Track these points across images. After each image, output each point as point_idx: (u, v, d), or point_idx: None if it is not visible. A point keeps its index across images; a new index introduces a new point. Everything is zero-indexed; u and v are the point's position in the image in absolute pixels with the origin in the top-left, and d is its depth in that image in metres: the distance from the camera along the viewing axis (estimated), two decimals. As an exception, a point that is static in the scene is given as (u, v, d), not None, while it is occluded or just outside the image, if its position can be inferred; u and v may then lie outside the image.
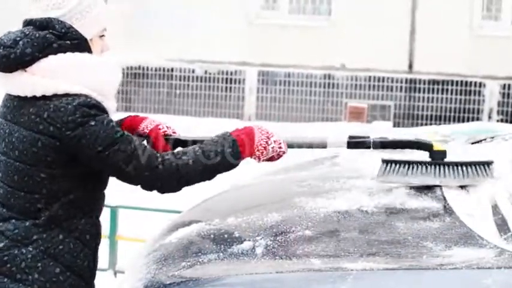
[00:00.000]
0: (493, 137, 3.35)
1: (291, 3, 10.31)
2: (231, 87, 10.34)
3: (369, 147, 2.58)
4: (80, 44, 2.30)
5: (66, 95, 2.22)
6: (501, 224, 2.20)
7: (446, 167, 2.55)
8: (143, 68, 10.44)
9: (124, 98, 10.48)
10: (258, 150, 2.37)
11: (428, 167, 2.56)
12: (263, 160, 2.40)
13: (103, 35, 2.41)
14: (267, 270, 2.10)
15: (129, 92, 10.49)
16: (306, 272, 2.04)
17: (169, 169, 2.27)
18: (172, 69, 10.37)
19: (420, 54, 10.02)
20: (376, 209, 2.44)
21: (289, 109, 10.27)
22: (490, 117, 10.04)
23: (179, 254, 2.35)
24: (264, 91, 10.30)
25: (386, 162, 2.62)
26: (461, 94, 10.04)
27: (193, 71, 10.35)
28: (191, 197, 3.29)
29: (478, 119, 9.98)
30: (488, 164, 2.55)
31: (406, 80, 10.10)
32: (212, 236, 2.42)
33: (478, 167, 2.55)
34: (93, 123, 2.20)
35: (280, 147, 2.41)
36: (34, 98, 2.24)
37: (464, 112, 10.06)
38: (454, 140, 3.84)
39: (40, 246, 2.26)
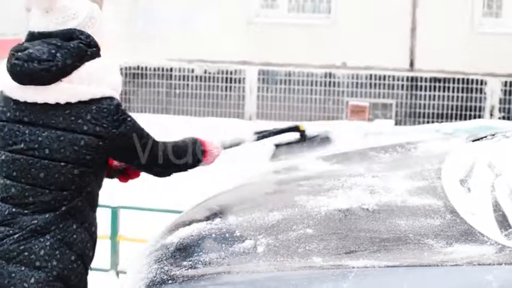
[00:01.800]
0: (494, 135, 3.35)
1: (291, 1, 10.31)
2: (231, 87, 10.34)
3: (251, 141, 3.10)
4: (99, 50, 2.44)
5: (102, 98, 2.36)
6: (502, 220, 2.20)
7: (308, 141, 3.34)
8: (142, 68, 10.43)
9: (123, 98, 10.47)
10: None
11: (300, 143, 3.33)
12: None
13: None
14: (268, 268, 2.10)
15: (128, 92, 10.49)
16: (307, 270, 2.04)
17: (174, 153, 2.58)
18: (171, 69, 10.37)
19: (421, 52, 10.01)
20: (378, 206, 2.44)
21: (290, 108, 10.26)
22: (491, 115, 10.03)
23: (180, 254, 2.35)
24: (265, 90, 10.29)
25: (276, 146, 3.32)
26: (462, 92, 10.03)
27: (192, 71, 10.35)
28: (192, 196, 3.29)
29: (479, 116, 9.97)
30: (326, 137, 3.37)
31: (408, 78, 10.09)
32: (213, 235, 2.43)
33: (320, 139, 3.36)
34: (129, 119, 2.42)
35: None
36: (66, 104, 2.34)
37: (465, 110, 10.05)
38: (455, 137, 3.84)
39: (57, 235, 2.35)
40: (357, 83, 10.16)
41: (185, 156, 2.65)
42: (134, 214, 5.21)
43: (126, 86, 10.45)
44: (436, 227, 2.21)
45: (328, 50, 10.07)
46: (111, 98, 2.39)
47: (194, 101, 10.38)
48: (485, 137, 3.35)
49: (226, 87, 10.33)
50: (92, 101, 2.35)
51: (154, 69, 10.40)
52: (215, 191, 3.28)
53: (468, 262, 1.96)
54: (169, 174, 2.66)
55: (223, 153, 2.84)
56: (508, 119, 9.91)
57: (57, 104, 2.33)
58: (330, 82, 10.20)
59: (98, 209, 4.68)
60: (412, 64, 10.09)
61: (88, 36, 2.39)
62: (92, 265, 5.23)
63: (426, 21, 9.91)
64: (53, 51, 2.31)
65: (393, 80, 10.11)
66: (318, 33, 10.11)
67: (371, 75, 10.10)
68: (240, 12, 10.13)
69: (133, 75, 10.46)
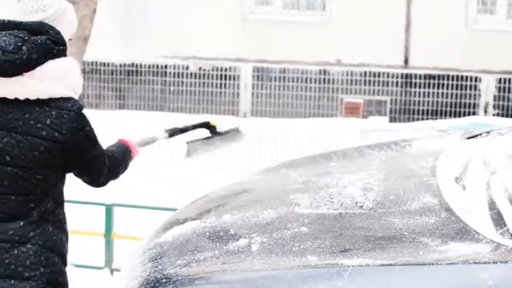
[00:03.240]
0: (488, 132, 3.35)
1: (285, -2, 10.30)
2: (225, 84, 10.32)
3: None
4: (65, 49, 2.38)
5: (61, 98, 2.31)
6: (497, 218, 2.19)
7: (220, 136, 3.49)
8: (137, 65, 10.41)
9: (118, 95, 10.45)
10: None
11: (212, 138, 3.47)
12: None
13: (70, 39, 2.47)
14: (263, 267, 2.09)
15: (123, 89, 10.47)
16: (302, 268, 2.03)
17: (114, 166, 2.59)
18: (166, 66, 10.35)
19: (416, 49, 10.02)
20: (372, 204, 2.43)
21: (285, 105, 10.26)
22: (486, 112, 10.04)
23: (174, 252, 2.34)
24: (259, 87, 10.28)
25: (188, 143, 3.39)
26: (457, 89, 10.04)
27: (187, 68, 10.34)
28: (186, 194, 3.28)
29: (474, 113, 9.98)
30: (236, 129, 3.58)
31: (402, 75, 10.09)
32: (207, 233, 2.42)
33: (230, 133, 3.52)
34: (88, 128, 2.37)
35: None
36: (24, 103, 2.28)
37: (460, 107, 10.06)
38: (450, 134, 3.84)
39: (38, 241, 2.32)
40: (351, 80, 10.16)
41: (125, 167, 2.68)
42: (128, 212, 5.20)
43: (120, 83, 10.43)
44: (431, 225, 2.20)
45: (322, 47, 10.07)
46: (73, 102, 2.33)
47: (189, 98, 10.37)
48: (480, 134, 3.34)
49: (220, 84, 10.32)
50: (51, 103, 2.29)
51: (149, 66, 10.38)
52: (209, 189, 3.27)
53: (463, 260, 1.95)
54: (105, 185, 2.64)
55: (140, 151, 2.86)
56: (503, 116, 9.93)
57: (16, 105, 2.27)
58: (324, 79, 10.20)
59: (92, 207, 4.70)
60: (406, 61, 10.10)
61: (57, 32, 2.34)
62: (86, 263, 5.23)
63: (421, 18, 9.91)
64: (19, 43, 2.25)
65: (387, 77, 10.12)
66: (313, 30, 10.11)
67: (365, 72, 10.10)
68: (234, 9, 10.12)
69: (128, 73, 10.44)
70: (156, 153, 4.25)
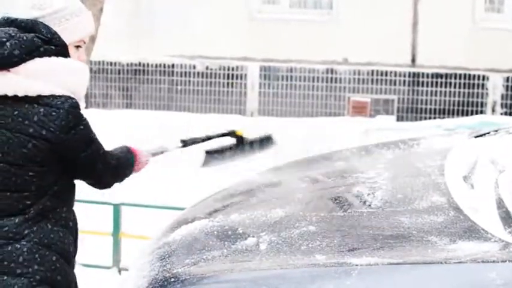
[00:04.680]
0: (496, 130, 3.35)
1: (292, -3, 10.29)
2: (232, 83, 10.32)
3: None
4: (61, 49, 2.37)
5: (52, 96, 2.30)
6: (505, 217, 2.19)
7: (247, 145, 3.37)
8: (144, 65, 10.41)
9: (125, 95, 10.47)
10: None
11: (236, 148, 3.33)
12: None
13: (79, 46, 2.46)
14: (271, 266, 2.09)
15: (129, 88, 10.48)
16: (310, 267, 2.03)
17: (119, 166, 2.55)
18: (173, 65, 10.35)
19: (423, 48, 9.99)
20: (380, 203, 2.43)
21: (292, 104, 10.25)
22: (493, 111, 10.01)
23: (183, 251, 2.35)
24: (266, 86, 10.28)
25: (207, 152, 3.27)
26: (464, 87, 10.01)
27: (194, 67, 10.34)
28: (194, 193, 3.28)
29: (481, 112, 9.95)
30: (268, 137, 3.51)
31: (409, 73, 10.07)
32: (216, 232, 2.42)
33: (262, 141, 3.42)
34: (82, 126, 2.34)
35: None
36: (14, 100, 2.29)
37: (467, 105, 10.03)
38: (458, 133, 3.84)
39: (34, 239, 2.31)
40: (358, 79, 10.14)
41: (129, 170, 2.62)
42: (136, 211, 5.20)
43: (127, 83, 10.45)
44: (439, 224, 2.20)
45: (329, 46, 10.06)
46: (64, 99, 2.30)
47: (196, 97, 10.37)
48: (488, 133, 3.34)
49: (227, 83, 10.32)
50: (40, 100, 2.29)
51: (156, 66, 10.39)
52: (217, 188, 3.27)
53: (472, 259, 1.95)
54: (110, 187, 2.59)
55: (151, 161, 2.77)
56: (510, 114, 9.90)
57: (7, 101, 2.29)
58: (331, 78, 10.18)
59: (100, 206, 4.69)
60: (413, 60, 10.07)
61: (52, 33, 2.34)
62: (94, 262, 5.24)
63: (428, 16, 9.89)
64: (4, 39, 2.27)
65: (395, 75, 10.09)
66: (320, 29, 10.10)
67: (372, 71, 10.08)
68: (241, 8, 10.11)
69: (135, 72, 10.45)
70: (171, 160, 4.12)
